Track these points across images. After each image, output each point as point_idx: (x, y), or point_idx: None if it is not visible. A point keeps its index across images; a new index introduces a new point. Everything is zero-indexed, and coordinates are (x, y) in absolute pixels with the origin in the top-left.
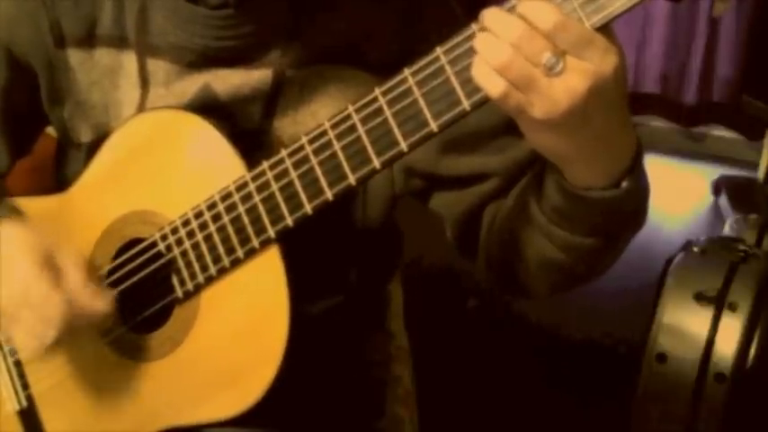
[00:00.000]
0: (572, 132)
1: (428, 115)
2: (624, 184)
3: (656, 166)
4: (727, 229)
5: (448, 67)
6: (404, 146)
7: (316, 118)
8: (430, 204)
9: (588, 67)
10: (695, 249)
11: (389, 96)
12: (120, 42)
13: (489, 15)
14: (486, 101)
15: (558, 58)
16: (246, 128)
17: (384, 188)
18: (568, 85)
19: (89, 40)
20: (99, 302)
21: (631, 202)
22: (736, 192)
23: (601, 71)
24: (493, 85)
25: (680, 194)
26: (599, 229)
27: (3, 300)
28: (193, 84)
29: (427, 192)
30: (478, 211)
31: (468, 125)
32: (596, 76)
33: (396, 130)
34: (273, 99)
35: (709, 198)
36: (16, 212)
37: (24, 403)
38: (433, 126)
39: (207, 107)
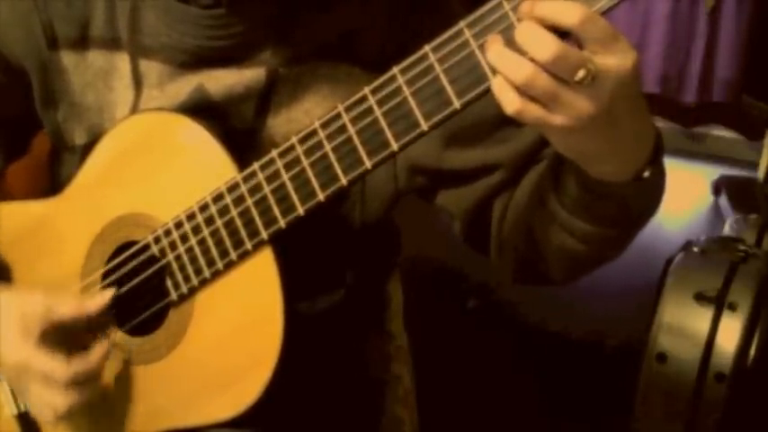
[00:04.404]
0: (600, 133)
1: (418, 115)
2: (647, 173)
3: None
4: (727, 229)
5: (437, 66)
6: (395, 146)
7: (309, 116)
8: (436, 201)
9: (613, 66)
10: (695, 249)
11: (379, 96)
12: (112, 44)
13: (524, 32)
14: (476, 99)
15: (589, 70)
16: (240, 127)
17: (386, 185)
18: (595, 91)
19: (82, 41)
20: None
21: (655, 190)
22: (736, 192)
23: (625, 67)
24: (508, 102)
25: (680, 194)
26: (621, 220)
27: (9, 374)
28: (187, 84)
29: (432, 189)
30: (487, 204)
31: (469, 117)
32: (620, 75)
33: (386, 131)
34: (267, 97)
35: (709, 198)
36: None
37: (23, 407)
38: (424, 126)
39: (200, 108)
